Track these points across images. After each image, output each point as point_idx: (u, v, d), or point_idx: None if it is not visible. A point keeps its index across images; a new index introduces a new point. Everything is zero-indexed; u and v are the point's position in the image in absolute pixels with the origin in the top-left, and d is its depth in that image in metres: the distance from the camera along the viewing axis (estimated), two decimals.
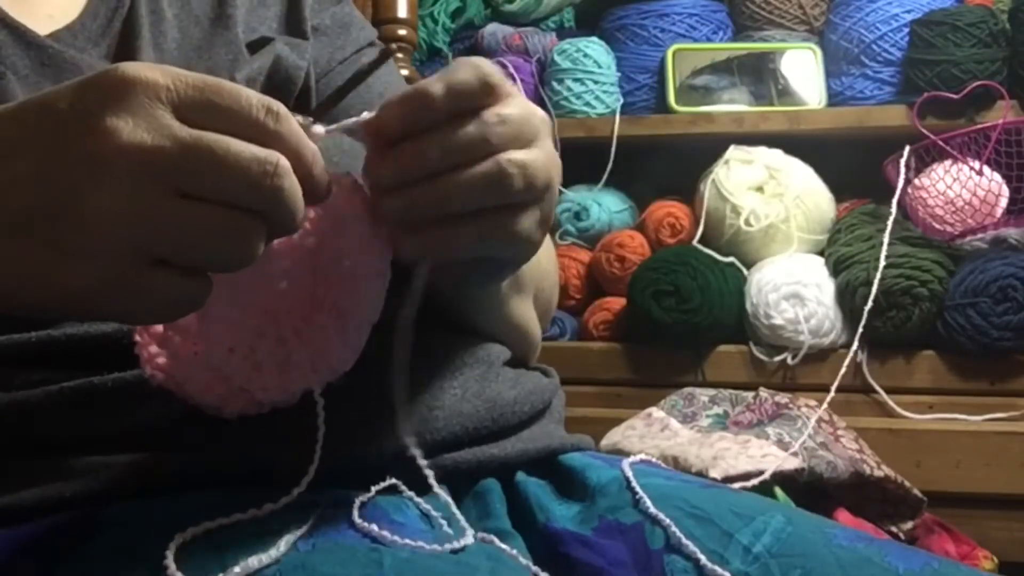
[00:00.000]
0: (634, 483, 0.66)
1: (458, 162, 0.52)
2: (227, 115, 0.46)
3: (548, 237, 0.89)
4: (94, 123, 0.45)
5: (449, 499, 0.63)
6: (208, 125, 0.46)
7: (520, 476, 0.68)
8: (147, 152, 0.44)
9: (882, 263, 1.54)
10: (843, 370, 1.55)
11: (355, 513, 0.56)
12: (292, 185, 0.47)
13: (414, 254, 0.55)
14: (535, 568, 0.58)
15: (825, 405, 1.45)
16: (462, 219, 0.53)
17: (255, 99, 0.47)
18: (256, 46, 0.75)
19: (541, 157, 0.55)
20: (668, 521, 0.62)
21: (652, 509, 0.63)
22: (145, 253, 0.45)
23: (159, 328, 0.53)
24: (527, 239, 0.56)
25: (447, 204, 0.53)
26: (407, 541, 0.55)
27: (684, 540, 0.61)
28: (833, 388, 1.53)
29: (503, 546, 0.59)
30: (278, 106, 0.47)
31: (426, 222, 0.54)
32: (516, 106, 0.54)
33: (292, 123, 0.48)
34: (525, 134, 0.54)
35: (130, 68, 0.46)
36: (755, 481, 1.20)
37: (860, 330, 1.54)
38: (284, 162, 0.46)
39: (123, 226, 0.45)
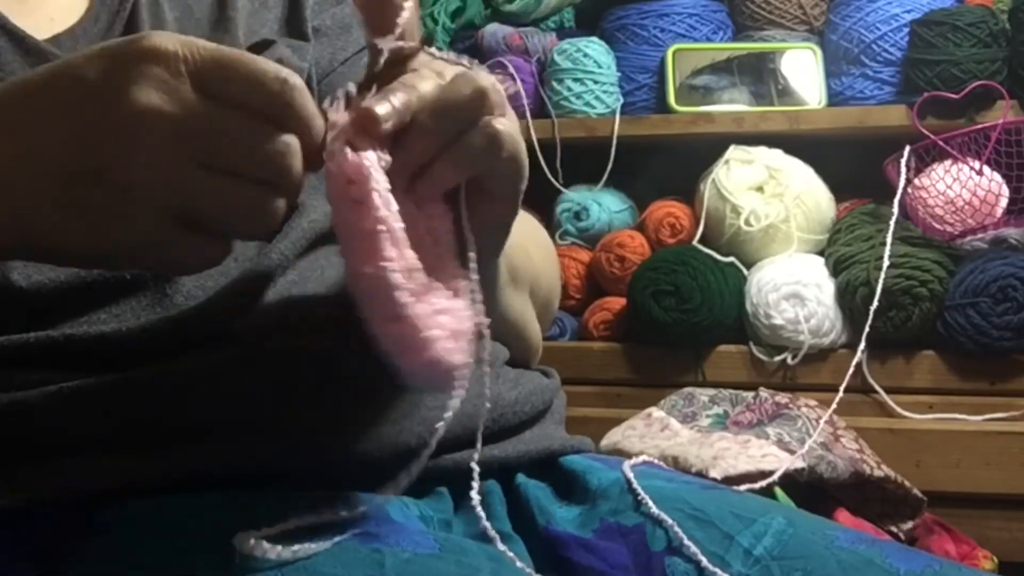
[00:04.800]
0: (635, 485, 0.66)
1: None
2: (243, 85, 0.48)
3: (545, 233, 0.89)
4: (122, 95, 0.47)
5: (449, 501, 0.63)
6: (224, 95, 0.48)
7: (520, 478, 0.68)
8: (170, 123, 0.47)
9: (885, 263, 1.54)
10: (851, 370, 1.55)
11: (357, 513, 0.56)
12: (299, 164, 0.49)
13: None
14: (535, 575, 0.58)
15: (833, 407, 1.45)
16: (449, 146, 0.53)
17: (271, 71, 0.48)
18: (257, 48, 0.75)
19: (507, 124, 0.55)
20: (671, 522, 0.62)
21: (655, 510, 0.63)
22: (175, 217, 0.48)
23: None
24: (513, 143, 0.56)
25: (435, 143, 0.53)
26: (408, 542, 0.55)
27: (686, 541, 0.61)
28: (841, 389, 1.53)
29: (502, 546, 0.59)
30: (295, 78, 0.49)
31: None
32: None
33: (306, 96, 0.49)
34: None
35: (152, 39, 0.48)
36: (764, 483, 1.21)
37: (867, 329, 1.54)
38: (295, 143, 0.49)
39: (153, 193, 0.48)
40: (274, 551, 0.51)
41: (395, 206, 0.50)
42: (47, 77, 0.50)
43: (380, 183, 0.50)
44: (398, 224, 0.50)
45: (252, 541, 0.51)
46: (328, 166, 0.51)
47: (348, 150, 0.50)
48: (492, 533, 0.61)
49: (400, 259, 0.49)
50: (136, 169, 0.47)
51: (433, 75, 0.53)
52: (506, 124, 0.53)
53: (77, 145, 0.48)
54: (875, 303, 1.53)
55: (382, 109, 0.50)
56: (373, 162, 0.50)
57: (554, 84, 1.85)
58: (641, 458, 0.72)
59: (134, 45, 0.48)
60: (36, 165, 0.49)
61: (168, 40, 0.48)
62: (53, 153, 0.48)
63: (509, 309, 0.75)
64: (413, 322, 0.50)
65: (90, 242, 0.49)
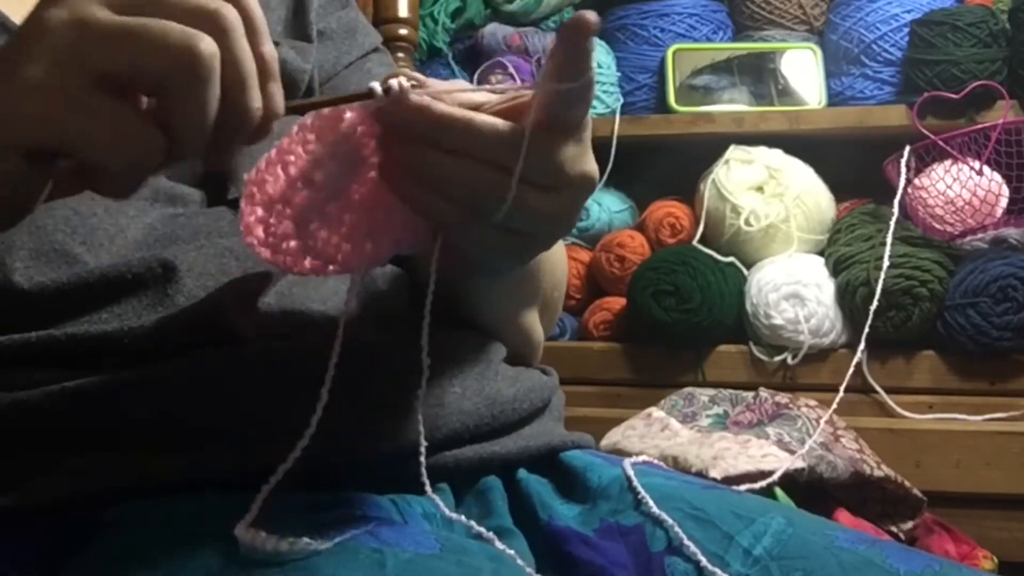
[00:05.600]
0: (636, 484, 0.66)
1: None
2: (162, 5, 0.48)
3: (563, 248, 0.89)
4: (35, 14, 0.48)
5: (451, 497, 0.63)
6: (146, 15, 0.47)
7: (522, 473, 0.69)
8: (65, 33, 0.47)
9: (886, 263, 1.54)
10: (851, 370, 1.55)
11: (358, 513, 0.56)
12: (213, 75, 0.48)
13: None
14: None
15: (834, 407, 1.45)
16: (438, 192, 0.53)
17: None
18: None
19: (544, 200, 0.54)
20: (671, 522, 0.62)
21: (655, 510, 0.63)
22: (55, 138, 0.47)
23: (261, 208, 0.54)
24: (494, 254, 0.56)
25: (422, 163, 0.53)
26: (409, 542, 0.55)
27: (686, 541, 0.61)
28: (842, 389, 1.53)
29: (501, 546, 0.59)
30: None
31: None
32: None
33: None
34: (553, 175, 0.54)
35: None
36: (764, 483, 1.21)
37: (867, 330, 1.54)
38: (210, 43, 0.47)
39: (41, 100, 0.47)
40: (271, 541, 0.51)
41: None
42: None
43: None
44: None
45: (252, 532, 0.51)
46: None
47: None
48: (468, 523, 0.61)
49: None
50: (29, 70, 0.47)
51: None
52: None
53: None
54: (875, 303, 1.53)
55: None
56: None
57: None
58: (641, 458, 0.72)
59: None
60: None
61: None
62: None
63: (519, 316, 0.75)
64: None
65: None
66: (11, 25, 0.68)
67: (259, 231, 0.54)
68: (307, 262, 0.55)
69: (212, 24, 0.48)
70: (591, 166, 0.56)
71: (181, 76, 0.47)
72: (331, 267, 0.56)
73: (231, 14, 0.48)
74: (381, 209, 0.56)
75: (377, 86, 0.52)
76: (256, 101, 0.49)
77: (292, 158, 0.54)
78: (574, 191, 0.55)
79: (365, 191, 0.55)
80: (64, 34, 0.47)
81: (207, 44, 0.47)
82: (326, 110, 0.54)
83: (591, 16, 0.49)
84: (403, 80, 0.52)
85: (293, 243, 0.55)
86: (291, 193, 0.54)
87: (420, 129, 0.51)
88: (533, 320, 0.78)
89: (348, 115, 0.54)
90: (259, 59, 0.50)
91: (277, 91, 0.50)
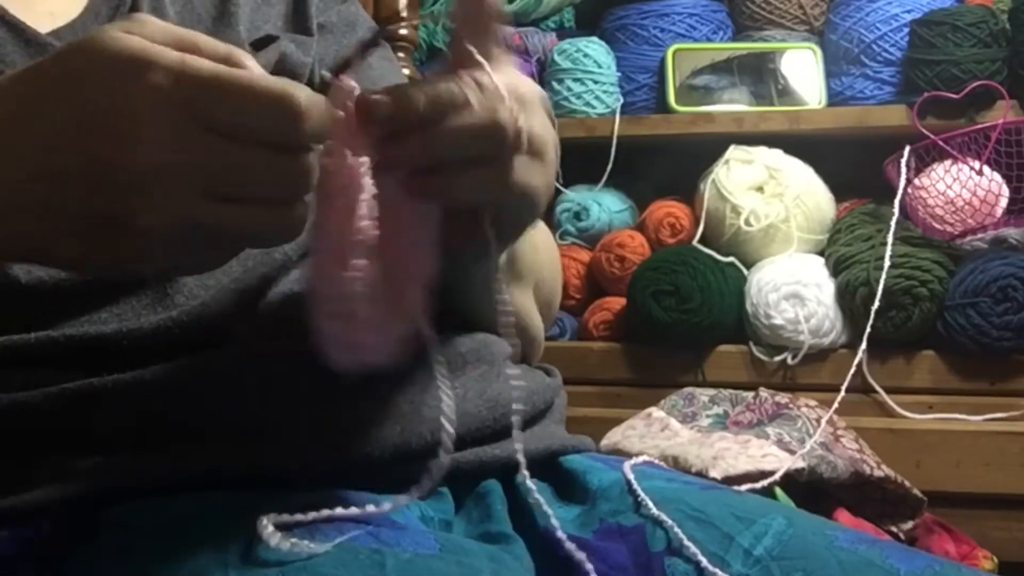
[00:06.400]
0: (635, 486, 0.66)
1: (447, 112, 0.52)
2: (250, 116, 0.47)
3: (549, 233, 0.89)
4: (116, 108, 0.46)
5: (451, 501, 0.63)
6: (230, 127, 0.47)
7: (521, 478, 0.68)
8: (170, 92, 0.46)
9: (887, 263, 1.54)
10: (852, 370, 1.55)
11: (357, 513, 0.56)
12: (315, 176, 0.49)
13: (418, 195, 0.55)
14: None
15: (835, 407, 1.45)
16: (457, 167, 0.53)
17: (274, 91, 0.47)
18: (260, 44, 0.75)
19: (537, 118, 0.55)
20: (671, 522, 0.62)
21: (655, 511, 0.63)
22: (205, 191, 0.47)
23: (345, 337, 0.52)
24: (534, 192, 0.56)
25: (436, 149, 0.52)
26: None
27: (686, 542, 0.61)
28: (843, 389, 1.53)
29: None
30: (298, 92, 0.48)
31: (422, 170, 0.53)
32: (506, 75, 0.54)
33: (314, 104, 0.48)
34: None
35: (140, 45, 0.47)
36: (765, 483, 1.21)
37: (868, 330, 1.54)
38: (312, 162, 0.48)
39: (173, 168, 0.46)
40: (275, 538, 0.51)
41: (375, 212, 0.51)
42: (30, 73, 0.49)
43: (368, 190, 0.50)
44: (373, 232, 0.51)
45: (267, 530, 0.51)
46: (324, 162, 0.51)
47: (348, 152, 0.50)
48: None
49: (366, 270, 0.51)
50: (147, 149, 0.46)
51: (469, 89, 0.52)
52: (519, 168, 0.54)
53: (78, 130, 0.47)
54: (876, 303, 1.53)
55: (378, 101, 0.50)
56: (366, 168, 0.51)
57: (554, 84, 1.85)
58: (642, 458, 0.72)
59: (122, 44, 0.46)
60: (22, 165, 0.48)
61: (163, 56, 0.46)
62: (44, 146, 0.47)
63: (512, 302, 0.74)
64: (354, 326, 0.51)
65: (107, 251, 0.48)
66: (10, 19, 0.68)
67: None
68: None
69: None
70: (531, 82, 0.58)
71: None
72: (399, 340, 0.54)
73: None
74: (411, 252, 0.54)
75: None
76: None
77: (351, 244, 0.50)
78: (536, 104, 0.56)
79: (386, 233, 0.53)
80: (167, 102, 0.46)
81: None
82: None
83: None
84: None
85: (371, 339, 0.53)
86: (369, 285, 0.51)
87: (408, 116, 0.51)
88: (526, 304, 0.78)
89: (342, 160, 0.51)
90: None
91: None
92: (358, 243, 0.50)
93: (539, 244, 0.77)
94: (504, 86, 0.53)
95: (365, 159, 0.51)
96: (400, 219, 0.53)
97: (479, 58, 0.53)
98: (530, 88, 0.56)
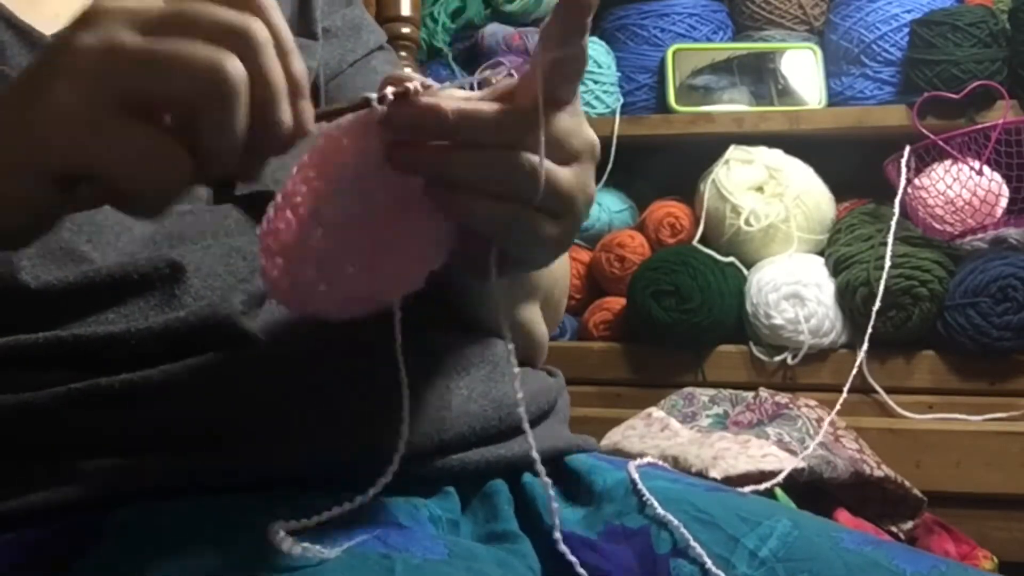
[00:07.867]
0: (641, 487, 0.66)
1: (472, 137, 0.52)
2: (191, 25, 0.47)
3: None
4: (63, 37, 0.47)
5: (457, 501, 0.63)
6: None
7: (527, 477, 0.68)
8: (92, 58, 0.46)
9: (887, 263, 1.54)
10: (854, 371, 1.55)
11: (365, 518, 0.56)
12: (242, 93, 0.47)
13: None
14: None
15: (837, 408, 1.45)
16: (478, 192, 0.52)
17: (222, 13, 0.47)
18: None
19: (567, 174, 0.55)
20: (677, 523, 0.62)
21: (660, 512, 0.63)
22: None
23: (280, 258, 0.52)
24: (541, 245, 0.56)
25: (451, 166, 0.52)
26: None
27: (692, 543, 0.61)
28: (845, 390, 1.53)
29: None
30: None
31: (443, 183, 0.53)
32: (564, 121, 0.54)
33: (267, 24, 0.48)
34: (562, 148, 0.54)
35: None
36: (767, 484, 1.21)
37: (869, 330, 1.54)
38: (238, 65, 0.46)
39: (69, 126, 0.46)
40: (287, 543, 0.51)
41: (356, 191, 0.52)
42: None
43: (359, 175, 0.52)
44: (352, 211, 0.52)
45: (279, 535, 0.51)
46: (333, 133, 0.52)
47: (359, 137, 0.51)
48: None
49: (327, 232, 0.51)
50: (56, 95, 0.46)
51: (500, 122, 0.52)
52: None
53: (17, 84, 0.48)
54: (877, 303, 1.53)
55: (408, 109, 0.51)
56: (370, 157, 0.52)
57: None
58: (646, 459, 0.72)
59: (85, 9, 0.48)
60: None
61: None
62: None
63: (519, 316, 0.75)
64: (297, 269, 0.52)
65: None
66: (16, 22, 0.68)
67: (285, 283, 0.51)
68: (340, 304, 0.53)
69: (242, 43, 0.47)
70: (592, 133, 0.58)
71: (209, 99, 0.46)
72: (365, 305, 0.54)
73: (261, 33, 0.48)
74: (404, 233, 0.54)
75: (390, 91, 0.51)
76: (287, 118, 0.49)
77: (299, 199, 0.51)
78: (585, 159, 0.56)
79: (383, 218, 0.53)
80: (92, 59, 0.46)
81: (235, 66, 0.46)
82: (321, 140, 0.52)
83: None
84: (416, 83, 0.51)
85: (322, 288, 0.52)
86: (306, 236, 0.51)
87: (433, 129, 0.51)
88: (533, 316, 0.78)
89: (344, 142, 0.52)
90: (289, 76, 0.49)
91: (307, 108, 0.50)
92: (326, 216, 0.51)
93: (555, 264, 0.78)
94: (564, 132, 0.54)
95: (371, 151, 0.51)
96: (407, 199, 0.53)
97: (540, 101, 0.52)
98: (586, 140, 0.56)
